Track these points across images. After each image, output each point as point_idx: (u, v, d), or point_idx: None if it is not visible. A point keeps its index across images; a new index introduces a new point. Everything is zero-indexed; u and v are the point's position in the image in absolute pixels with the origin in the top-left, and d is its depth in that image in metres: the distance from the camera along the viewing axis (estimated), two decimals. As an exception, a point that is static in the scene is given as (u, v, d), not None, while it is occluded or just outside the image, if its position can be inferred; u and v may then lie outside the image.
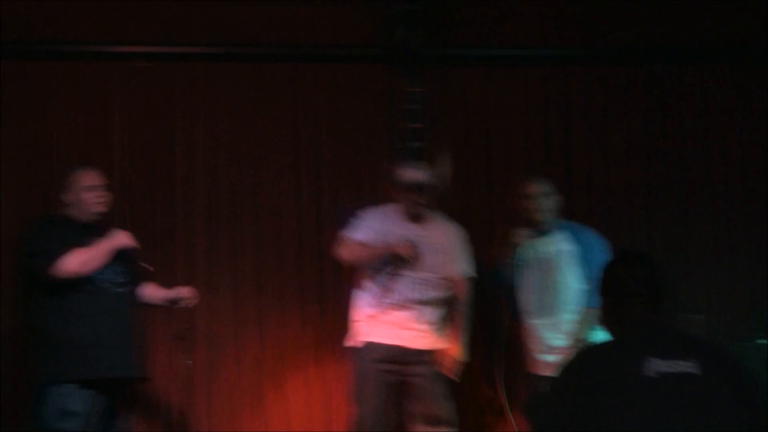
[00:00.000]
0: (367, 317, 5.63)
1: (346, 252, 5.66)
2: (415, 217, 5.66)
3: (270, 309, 6.45)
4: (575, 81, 6.60)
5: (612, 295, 2.98)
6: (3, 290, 6.22)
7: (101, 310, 5.17)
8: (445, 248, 5.66)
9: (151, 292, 5.56)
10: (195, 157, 6.45)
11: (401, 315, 5.55)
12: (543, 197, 5.63)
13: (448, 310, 5.66)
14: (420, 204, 5.61)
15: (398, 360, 5.54)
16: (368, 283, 5.65)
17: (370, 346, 5.56)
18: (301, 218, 6.45)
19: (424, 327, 5.58)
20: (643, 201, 6.57)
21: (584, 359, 2.87)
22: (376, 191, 6.45)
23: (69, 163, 6.32)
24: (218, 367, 6.39)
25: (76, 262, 5.10)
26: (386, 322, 5.56)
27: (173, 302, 5.55)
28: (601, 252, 5.60)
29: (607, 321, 2.99)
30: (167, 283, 6.32)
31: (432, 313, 5.61)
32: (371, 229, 5.66)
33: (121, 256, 5.27)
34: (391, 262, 5.55)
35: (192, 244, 6.43)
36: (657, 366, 2.71)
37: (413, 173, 5.60)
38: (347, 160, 6.52)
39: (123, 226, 6.27)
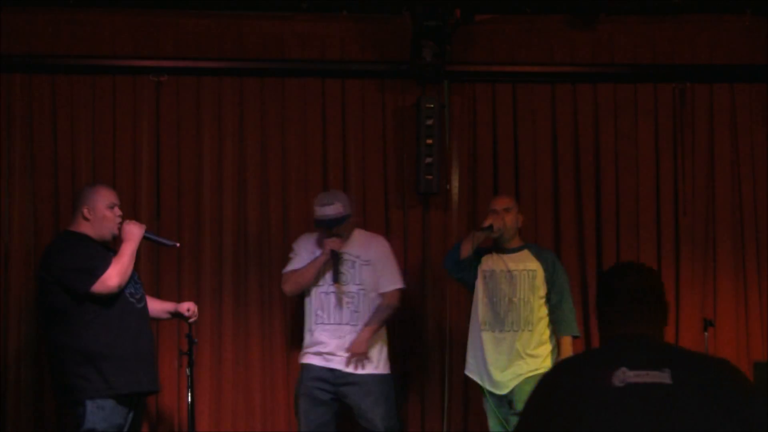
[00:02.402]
0: (306, 341, 5.85)
1: (287, 286, 5.90)
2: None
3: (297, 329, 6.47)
4: (604, 98, 6.66)
5: (601, 304, 3.00)
6: (11, 305, 6.22)
7: (133, 325, 5.17)
8: (370, 262, 5.85)
9: (153, 305, 5.54)
10: (223, 172, 6.46)
11: (333, 340, 5.75)
12: (506, 213, 5.80)
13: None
14: (330, 236, 5.77)
15: (331, 380, 5.75)
16: (306, 308, 5.87)
17: (307, 367, 5.79)
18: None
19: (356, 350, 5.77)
20: (672, 217, 6.61)
21: (560, 369, 2.93)
22: (406, 207, 6.56)
23: (98, 180, 6.36)
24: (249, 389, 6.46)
25: (117, 274, 5.08)
26: (320, 346, 5.77)
27: (175, 315, 5.55)
28: (563, 275, 5.82)
29: (598, 330, 3.04)
30: (194, 297, 6.38)
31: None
32: (300, 257, 5.87)
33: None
34: (326, 270, 5.75)
35: (220, 257, 6.43)
36: (625, 376, 2.74)
37: (319, 210, 5.74)
38: (375, 174, 6.55)
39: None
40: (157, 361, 5.60)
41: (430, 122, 6.45)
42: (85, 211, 5.22)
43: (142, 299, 5.30)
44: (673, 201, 6.63)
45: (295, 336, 6.41)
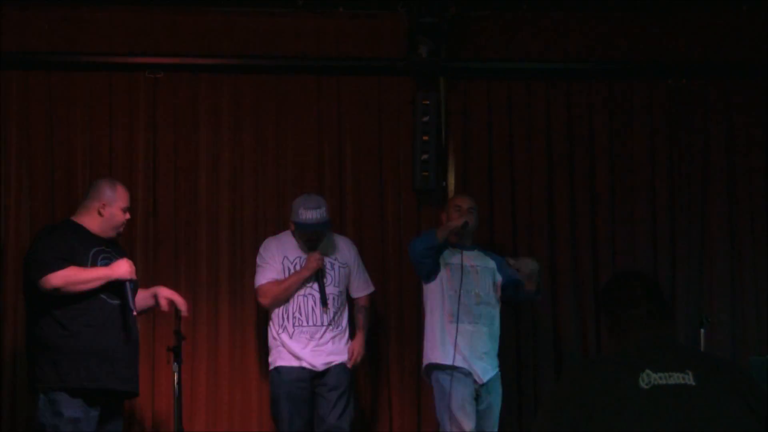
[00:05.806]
0: (277, 342, 5.84)
1: (265, 299, 5.88)
2: (311, 247, 5.86)
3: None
4: (599, 94, 6.66)
5: (611, 313, 3.06)
6: (7, 304, 6.22)
7: (97, 322, 5.14)
8: (347, 265, 5.95)
9: (139, 295, 5.47)
10: (219, 169, 6.46)
11: (311, 341, 5.78)
12: (470, 213, 5.87)
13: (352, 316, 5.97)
14: (312, 242, 5.81)
15: (308, 379, 5.78)
16: (278, 310, 5.85)
17: (283, 369, 5.78)
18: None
19: (329, 346, 5.81)
20: (667, 214, 6.62)
21: (584, 370, 2.97)
22: (402, 204, 6.57)
23: (96, 176, 6.36)
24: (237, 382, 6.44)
25: (62, 279, 5.04)
26: (295, 346, 5.78)
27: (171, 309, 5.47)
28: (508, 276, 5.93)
29: (610, 336, 3.08)
30: (190, 294, 6.37)
31: (335, 330, 5.84)
32: (271, 266, 5.87)
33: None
34: (311, 280, 5.77)
35: (216, 254, 6.42)
36: (650, 378, 2.81)
37: (305, 214, 5.75)
38: (371, 171, 6.56)
39: (146, 239, 6.37)
40: (138, 362, 5.44)
41: (425, 119, 6.47)
42: (101, 207, 5.26)
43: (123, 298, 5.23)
44: (668, 197, 6.64)
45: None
